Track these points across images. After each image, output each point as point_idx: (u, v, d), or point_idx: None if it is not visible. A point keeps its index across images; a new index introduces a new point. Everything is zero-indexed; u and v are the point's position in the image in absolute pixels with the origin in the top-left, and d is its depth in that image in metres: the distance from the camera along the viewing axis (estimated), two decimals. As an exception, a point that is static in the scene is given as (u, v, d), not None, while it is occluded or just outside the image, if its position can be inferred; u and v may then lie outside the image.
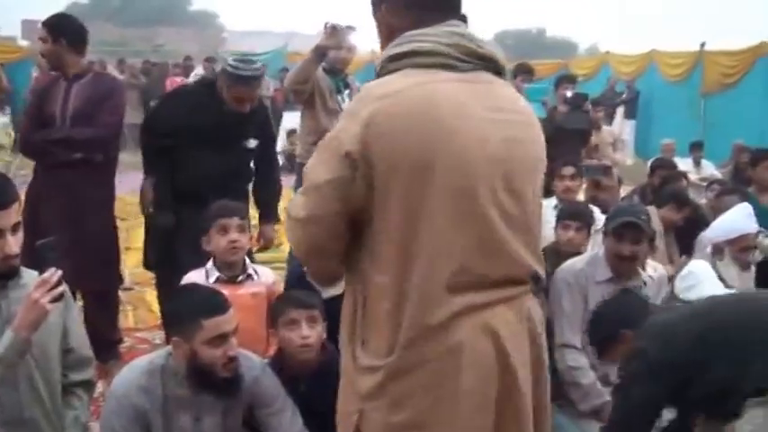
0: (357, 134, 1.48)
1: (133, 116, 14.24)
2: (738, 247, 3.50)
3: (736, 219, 3.56)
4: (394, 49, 1.56)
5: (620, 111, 14.35)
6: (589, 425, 2.90)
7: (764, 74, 11.97)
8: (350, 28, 4.52)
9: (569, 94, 6.27)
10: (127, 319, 4.52)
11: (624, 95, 14.38)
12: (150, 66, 16.26)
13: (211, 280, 2.79)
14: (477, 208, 1.51)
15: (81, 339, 2.40)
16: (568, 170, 4.68)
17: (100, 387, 3.14)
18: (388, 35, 1.60)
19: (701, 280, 3.43)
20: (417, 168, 1.47)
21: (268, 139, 3.88)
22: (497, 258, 1.54)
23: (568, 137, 6.24)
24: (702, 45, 13.40)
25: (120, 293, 4.30)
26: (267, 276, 3.00)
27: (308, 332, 2.49)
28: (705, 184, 7.47)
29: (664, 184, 5.15)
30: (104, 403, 2.44)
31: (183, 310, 2.22)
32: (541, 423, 1.66)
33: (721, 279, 3.45)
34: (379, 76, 1.57)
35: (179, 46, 25.34)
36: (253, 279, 2.92)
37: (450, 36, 1.54)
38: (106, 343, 3.51)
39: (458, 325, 1.50)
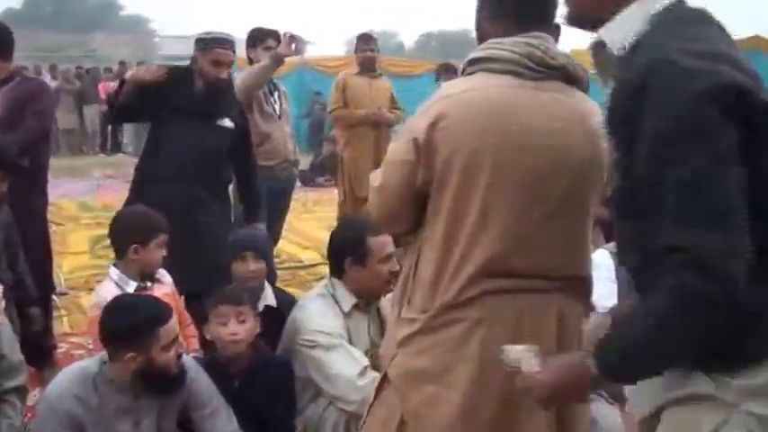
0: (424, 126, 1.66)
1: (67, 121, 14.07)
2: None
3: None
4: (474, 53, 1.72)
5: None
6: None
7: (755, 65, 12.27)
8: (308, 42, 4.60)
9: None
10: (62, 324, 4.46)
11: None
12: (83, 71, 15.99)
13: (130, 290, 2.76)
14: (518, 205, 1.65)
15: (11, 345, 2.39)
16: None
17: (36, 394, 3.12)
18: (480, 39, 1.75)
19: (596, 270, 3.57)
20: (469, 163, 1.63)
21: (244, 124, 3.85)
22: (531, 254, 1.67)
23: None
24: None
25: (55, 298, 4.21)
26: (166, 276, 3.00)
27: (236, 328, 2.53)
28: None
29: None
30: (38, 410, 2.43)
31: (140, 325, 2.20)
32: (568, 420, 1.76)
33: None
34: (462, 75, 1.75)
35: (112, 51, 24.98)
36: (160, 281, 2.93)
37: (525, 46, 1.65)
38: (40, 350, 3.48)
39: (484, 302, 1.67)
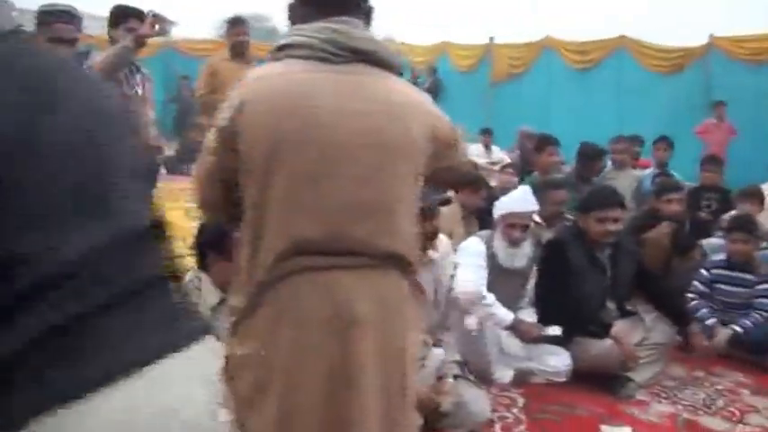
0: (227, 113, 1.67)
1: None
2: (505, 224, 3.82)
3: (511, 198, 3.93)
4: (279, 41, 1.75)
5: (420, 99, 14.99)
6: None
7: (548, 66, 13.08)
8: (172, 23, 4.42)
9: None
10: None
11: (426, 85, 15.05)
12: None
13: None
14: (321, 185, 1.64)
15: None
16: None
17: None
18: (292, 25, 1.79)
19: (464, 255, 3.80)
20: (271, 147, 1.63)
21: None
22: (339, 232, 1.66)
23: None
24: (491, 39, 14.38)
25: None
26: None
27: None
28: (495, 167, 8.14)
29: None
30: None
31: None
32: (395, 403, 1.75)
33: (495, 254, 3.83)
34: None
35: None
36: None
37: (327, 32, 1.68)
38: None
39: (294, 282, 1.65)
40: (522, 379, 3.74)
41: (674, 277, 4.77)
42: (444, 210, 4.87)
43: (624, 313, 4.02)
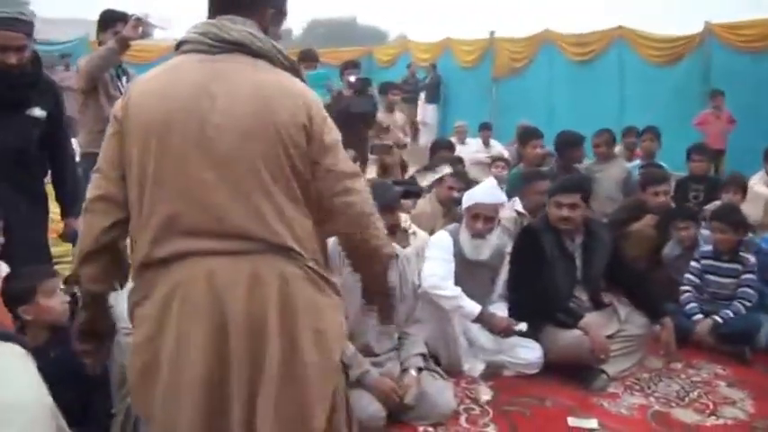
0: (118, 105, 1.87)
1: None
2: (469, 215, 3.76)
3: (476, 190, 3.87)
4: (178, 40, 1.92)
5: (422, 95, 14.98)
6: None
7: (548, 59, 12.98)
8: (159, 27, 4.44)
9: (353, 79, 6.53)
10: None
11: (427, 81, 15.03)
12: None
13: None
14: (189, 167, 1.74)
15: None
16: (349, 153, 4.90)
17: None
18: None
19: (432, 249, 3.78)
20: (145, 131, 1.77)
21: (59, 115, 3.60)
22: (209, 216, 1.74)
23: (354, 120, 6.51)
24: (492, 33, 14.32)
25: None
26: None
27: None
28: (493, 161, 8.08)
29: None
30: None
31: None
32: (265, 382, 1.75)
33: (461, 247, 3.76)
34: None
35: None
36: None
37: (204, 26, 1.85)
38: None
39: (177, 264, 1.74)
40: (493, 372, 3.71)
41: (663, 269, 4.73)
42: (426, 206, 4.85)
43: (598, 305, 3.97)
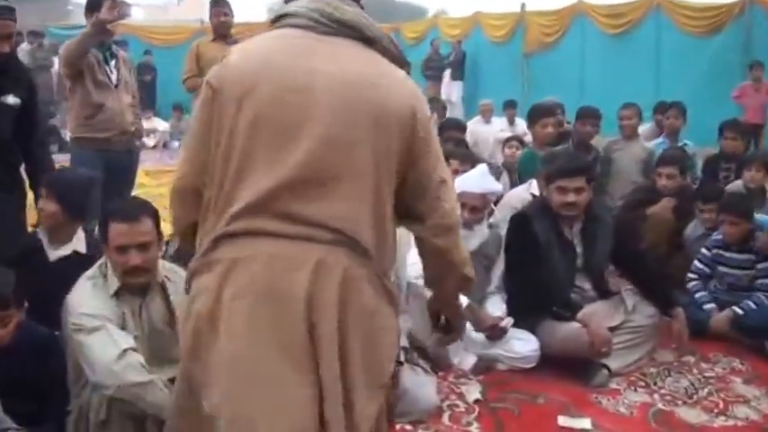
0: (215, 71, 1.73)
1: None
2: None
3: (465, 177, 3.60)
4: (275, 12, 1.81)
5: (447, 73, 14.62)
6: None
7: (581, 32, 12.53)
8: (129, 5, 4.31)
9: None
10: None
11: (451, 57, 14.66)
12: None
13: None
14: (281, 147, 1.62)
15: None
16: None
17: None
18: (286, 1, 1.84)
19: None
20: (238, 102, 1.64)
21: (32, 99, 3.56)
22: (294, 198, 1.61)
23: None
24: (523, 6, 13.88)
25: None
26: None
27: None
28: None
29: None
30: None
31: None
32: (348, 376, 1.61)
33: None
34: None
35: (21, 19, 23.45)
36: None
37: (317, 3, 1.71)
38: None
39: (241, 242, 1.62)
40: (485, 366, 3.47)
41: (683, 254, 4.42)
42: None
43: (604, 294, 3.69)
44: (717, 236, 4.00)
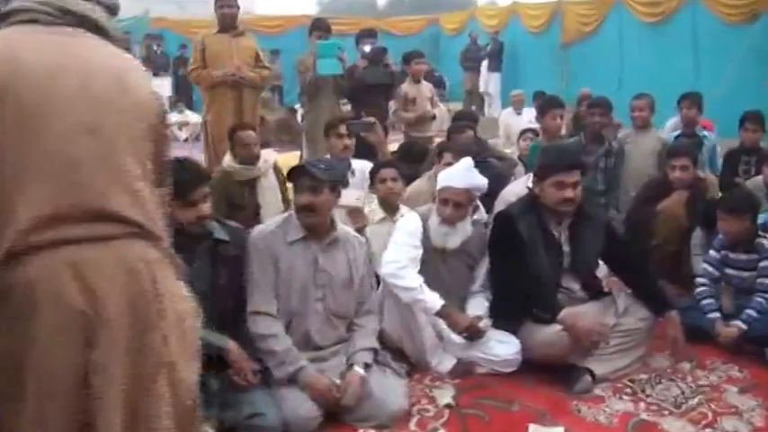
0: None
1: None
2: (439, 199, 3.39)
3: (449, 171, 3.46)
4: (3, 8, 1.74)
5: (484, 64, 14.39)
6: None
7: (618, 21, 12.18)
8: None
9: (368, 49, 6.16)
10: None
11: (488, 48, 14.41)
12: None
13: None
14: (46, 143, 1.55)
15: None
16: (344, 128, 4.57)
17: None
18: None
19: (397, 233, 3.41)
20: None
21: None
22: (76, 195, 1.55)
23: (370, 92, 6.16)
24: (560, -5, 13.58)
25: None
26: None
27: None
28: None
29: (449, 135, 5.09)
30: None
31: None
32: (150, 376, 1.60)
33: (428, 232, 3.39)
34: None
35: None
36: None
37: None
38: None
39: (35, 259, 1.51)
40: (464, 369, 3.34)
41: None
42: (423, 185, 4.45)
43: (595, 295, 3.52)
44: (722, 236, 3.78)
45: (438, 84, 15.80)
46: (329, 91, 5.94)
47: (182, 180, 2.74)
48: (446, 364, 3.33)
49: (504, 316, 3.42)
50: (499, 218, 3.52)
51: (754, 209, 3.68)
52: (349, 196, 3.67)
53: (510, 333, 3.37)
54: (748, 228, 3.63)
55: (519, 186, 4.31)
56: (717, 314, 3.64)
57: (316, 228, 2.99)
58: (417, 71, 6.77)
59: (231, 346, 2.80)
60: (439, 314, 3.25)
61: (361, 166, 4.58)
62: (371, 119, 5.04)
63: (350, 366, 2.96)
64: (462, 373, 3.32)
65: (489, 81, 14.25)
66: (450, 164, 4.34)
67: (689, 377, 3.35)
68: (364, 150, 5.04)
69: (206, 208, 2.78)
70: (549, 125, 5.09)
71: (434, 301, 3.24)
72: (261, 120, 10.45)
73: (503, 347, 3.32)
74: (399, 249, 3.31)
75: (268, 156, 4.84)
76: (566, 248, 3.45)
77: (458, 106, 15.50)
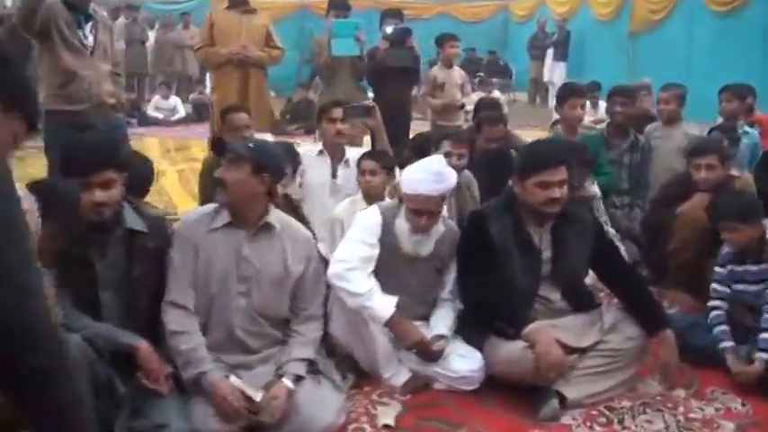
0: None
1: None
2: (410, 209, 2.99)
3: (417, 173, 2.98)
4: None
5: (549, 53, 13.79)
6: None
7: (688, 11, 11.45)
8: None
9: (390, 30, 5.81)
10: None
11: (555, 37, 13.79)
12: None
13: None
14: None
15: None
16: (337, 112, 4.23)
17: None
18: None
19: (352, 228, 3.07)
20: None
21: None
22: None
23: (393, 76, 5.81)
24: (631, -19, 12.81)
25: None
26: None
27: None
28: (597, 126, 7.01)
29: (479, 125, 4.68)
30: None
31: None
32: None
33: (395, 236, 3.02)
34: None
35: None
36: None
37: None
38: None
39: None
40: (421, 382, 2.99)
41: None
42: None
43: (580, 307, 3.10)
44: (727, 249, 3.28)
45: (503, 73, 15.31)
46: (346, 73, 5.64)
47: (80, 159, 2.50)
48: (400, 377, 2.98)
49: (470, 327, 3.05)
50: (471, 217, 3.15)
51: (755, 213, 3.18)
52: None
53: (475, 346, 3.00)
54: (754, 235, 3.13)
55: None
56: (729, 343, 3.15)
57: (241, 213, 2.68)
58: (450, 55, 6.38)
59: (141, 344, 2.53)
60: (387, 324, 2.89)
61: (357, 155, 4.25)
62: (370, 102, 4.68)
63: (278, 377, 2.65)
64: (417, 388, 2.97)
65: (554, 70, 13.65)
66: (449, 154, 3.99)
67: (681, 407, 2.90)
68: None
69: (104, 195, 2.48)
70: (567, 115, 4.64)
71: (384, 308, 2.87)
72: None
73: (462, 362, 2.95)
74: (351, 247, 2.97)
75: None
76: (546, 254, 3.04)
77: (523, 97, 15.03)
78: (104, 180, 2.46)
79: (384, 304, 2.87)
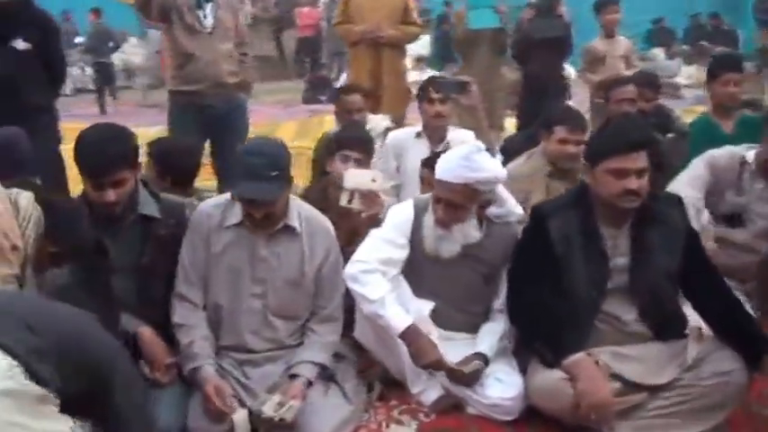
0: None
1: (264, 49, 14.64)
2: (433, 195, 2.63)
3: (445, 158, 2.61)
4: None
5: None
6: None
7: None
8: None
9: (535, -3, 5.27)
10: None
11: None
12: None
13: None
14: None
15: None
16: (433, 92, 3.87)
17: None
18: None
19: (384, 224, 2.75)
20: None
21: (47, 47, 3.69)
22: None
23: (541, 48, 5.26)
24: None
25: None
26: None
27: None
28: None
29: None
30: None
31: None
32: None
33: (422, 234, 2.66)
34: None
35: None
36: None
37: None
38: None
39: None
40: (453, 403, 2.60)
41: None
42: (522, 166, 3.58)
43: (663, 332, 2.50)
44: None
45: (729, 41, 13.52)
46: (485, 48, 5.22)
47: (91, 161, 2.43)
48: (431, 394, 2.62)
49: (519, 344, 2.62)
50: (531, 212, 2.67)
51: None
52: (364, 176, 3.05)
53: (519, 370, 2.57)
54: None
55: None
56: None
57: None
58: (610, 22, 5.66)
59: (144, 331, 2.47)
60: (402, 338, 2.52)
61: (460, 138, 3.87)
62: (465, 77, 4.24)
63: (292, 377, 2.46)
64: (448, 408, 2.59)
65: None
66: (564, 140, 3.46)
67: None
68: None
69: (116, 194, 2.38)
70: (719, 93, 3.84)
71: (399, 320, 2.49)
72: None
73: (497, 388, 2.51)
74: (373, 246, 2.63)
75: (380, 122, 4.35)
76: (622, 261, 2.49)
77: (749, 68, 13.11)
78: (117, 180, 2.39)
79: (398, 315, 2.50)
